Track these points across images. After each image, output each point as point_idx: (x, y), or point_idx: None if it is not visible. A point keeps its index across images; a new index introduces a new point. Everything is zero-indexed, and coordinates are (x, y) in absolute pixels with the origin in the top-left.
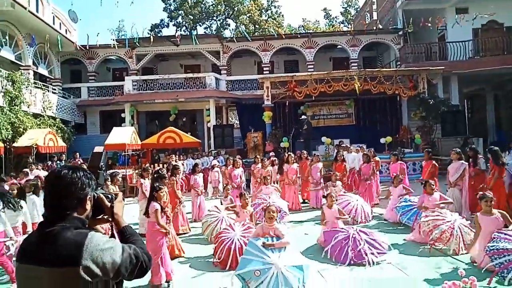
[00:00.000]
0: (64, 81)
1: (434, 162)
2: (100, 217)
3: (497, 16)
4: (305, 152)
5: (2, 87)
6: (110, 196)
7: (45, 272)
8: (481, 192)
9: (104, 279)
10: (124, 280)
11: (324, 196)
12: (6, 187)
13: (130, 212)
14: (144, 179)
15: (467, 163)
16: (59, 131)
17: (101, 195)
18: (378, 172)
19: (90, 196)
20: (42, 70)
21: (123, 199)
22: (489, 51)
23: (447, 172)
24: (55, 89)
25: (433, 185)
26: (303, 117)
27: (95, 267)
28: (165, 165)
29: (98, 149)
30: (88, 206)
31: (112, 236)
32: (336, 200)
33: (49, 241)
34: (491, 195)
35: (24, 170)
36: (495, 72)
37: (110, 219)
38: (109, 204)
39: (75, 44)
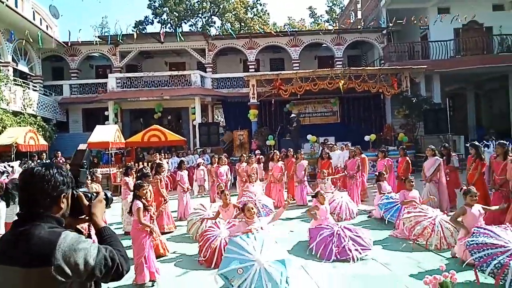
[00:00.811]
0: (45, 78)
1: (407, 158)
2: (82, 217)
3: (477, 16)
4: (291, 150)
5: None
6: (90, 195)
7: (19, 272)
8: (465, 187)
9: (78, 280)
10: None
11: (313, 196)
12: None
13: (112, 211)
14: (128, 177)
15: (441, 159)
16: (40, 129)
17: (81, 194)
18: (366, 169)
19: (65, 194)
20: (22, 67)
21: (110, 198)
22: (470, 51)
23: (422, 168)
24: (36, 87)
25: (412, 181)
26: (292, 115)
27: (67, 267)
28: (149, 164)
29: (81, 146)
30: (64, 204)
31: (90, 236)
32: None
33: (22, 240)
34: (475, 190)
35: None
36: (475, 71)
37: (88, 218)
38: (87, 203)
39: (55, 40)
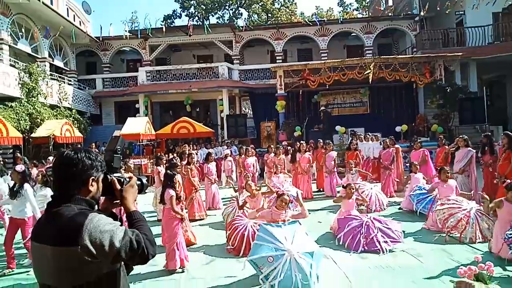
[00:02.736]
0: (79, 72)
1: (447, 147)
2: (116, 201)
3: None
4: (321, 140)
5: (20, 79)
6: (123, 179)
7: (50, 250)
8: (508, 180)
9: (106, 261)
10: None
11: (343, 186)
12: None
13: (145, 200)
14: (160, 167)
15: (474, 150)
16: (76, 121)
17: (114, 178)
18: (400, 159)
19: (94, 177)
20: (58, 62)
21: (145, 184)
22: (510, 36)
23: (448, 159)
24: (70, 81)
25: (448, 172)
26: (322, 108)
27: (92, 248)
28: (178, 154)
29: (116, 133)
30: (93, 187)
31: (121, 220)
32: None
33: (53, 220)
34: None
35: (49, 158)
36: None
37: (120, 202)
38: (119, 187)
39: (88, 35)
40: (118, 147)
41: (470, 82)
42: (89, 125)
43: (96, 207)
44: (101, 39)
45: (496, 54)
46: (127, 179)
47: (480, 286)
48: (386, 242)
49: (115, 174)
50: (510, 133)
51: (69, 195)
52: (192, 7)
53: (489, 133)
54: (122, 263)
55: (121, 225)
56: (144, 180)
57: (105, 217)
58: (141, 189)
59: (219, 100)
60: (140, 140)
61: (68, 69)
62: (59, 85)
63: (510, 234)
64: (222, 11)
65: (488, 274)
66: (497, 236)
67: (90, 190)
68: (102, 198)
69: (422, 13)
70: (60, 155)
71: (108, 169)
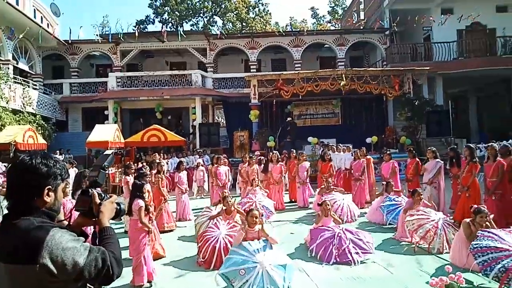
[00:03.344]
0: (45, 76)
1: (418, 160)
2: (94, 219)
3: (480, 18)
4: (294, 151)
5: None
6: (103, 195)
7: (3, 267)
8: (475, 206)
9: (66, 280)
10: None
11: (319, 204)
12: None
13: None
14: (129, 176)
15: (442, 162)
16: (40, 128)
17: (95, 192)
18: (372, 170)
19: (50, 187)
20: (23, 65)
21: (123, 210)
22: (473, 53)
23: (419, 171)
24: (36, 85)
25: (421, 194)
26: (288, 118)
27: (53, 267)
28: (147, 164)
29: (108, 152)
30: (50, 198)
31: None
32: (331, 206)
33: (8, 234)
34: (486, 210)
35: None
36: (478, 73)
37: (96, 216)
38: (98, 201)
39: (56, 38)
40: (106, 164)
41: (436, 95)
42: (54, 132)
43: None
44: (69, 43)
45: (460, 69)
46: (108, 196)
47: None
48: (357, 253)
49: (96, 189)
50: (471, 145)
51: (26, 205)
52: (166, 13)
53: (455, 146)
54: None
55: (85, 241)
56: (123, 206)
57: (68, 233)
58: (118, 214)
59: (192, 108)
60: (108, 148)
61: (34, 73)
62: (23, 89)
63: (476, 244)
64: (197, 18)
65: (458, 284)
66: (461, 250)
67: (46, 201)
68: (76, 214)
69: (393, 28)
70: (14, 162)
71: (92, 184)
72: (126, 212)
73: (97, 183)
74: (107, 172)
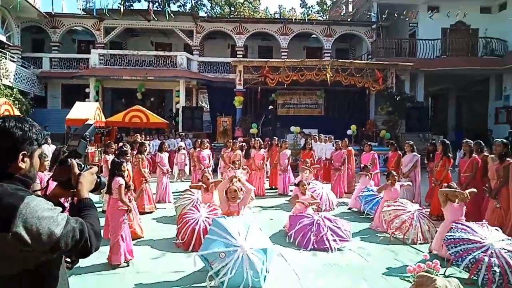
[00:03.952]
0: (24, 49)
1: (399, 153)
2: (72, 190)
3: (465, 17)
4: (276, 138)
5: None
6: (83, 165)
7: None
8: (445, 184)
9: (41, 251)
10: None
11: (296, 184)
12: None
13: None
14: (108, 155)
15: (419, 155)
16: (17, 102)
17: (74, 162)
18: (352, 161)
19: (26, 152)
20: (0, 36)
21: (103, 182)
22: (455, 51)
23: (400, 164)
24: (13, 57)
25: (396, 176)
26: (270, 107)
27: (27, 236)
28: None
29: (89, 121)
30: (24, 164)
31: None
32: (307, 186)
33: None
34: (455, 185)
35: None
36: (459, 72)
37: (74, 187)
38: (78, 172)
39: (36, 9)
40: (88, 134)
41: (417, 92)
42: (32, 107)
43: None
44: (51, 15)
45: (442, 67)
46: (88, 167)
47: (441, 279)
48: (335, 240)
49: (76, 160)
50: (446, 140)
51: (0, 171)
52: None
53: (434, 141)
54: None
55: (63, 211)
56: (103, 179)
57: (44, 201)
58: (98, 187)
59: (176, 91)
60: (89, 120)
61: (11, 44)
62: (0, 60)
63: (449, 236)
64: (184, 0)
65: (435, 271)
66: (440, 235)
67: (21, 167)
68: (54, 184)
69: (379, 22)
70: None
71: (71, 154)
72: (106, 188)
73: (77, 153)
74: (87, 142)
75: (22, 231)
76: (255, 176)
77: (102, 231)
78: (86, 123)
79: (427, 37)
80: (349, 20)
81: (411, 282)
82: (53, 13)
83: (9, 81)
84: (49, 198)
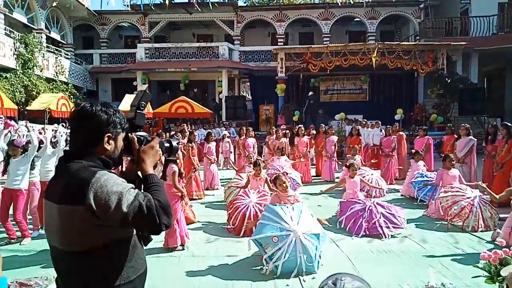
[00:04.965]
0: (76, 47)
1: (456, 136)
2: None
3: None
4: (322, 125)
5: (15, 50)
6: (143, 138)
7: (56, 208)
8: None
9: (112, 225)
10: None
11: (346, 166)
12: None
13: None
14: None
15: (475, 139)
16: (72, 96)
17: (134, 136)
18: (404, 146)
19: (110, 135)
20: (55, 35)
21: (175, 147)
22: None
23: (455, 148)
24: (67, 55)
25: (453, 160)
26: (310, 93)
27: (97, 209)
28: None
29: (141, 87)
30: (110, 146)
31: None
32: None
33: (61, 176)
34: None
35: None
36: None
37: (136, 164)
38: (138, 146)
39: (86, 8)
40: (143, 102)
41: (471, 73)
42: (86, 101)
43: (115, 167)
44: (99, 13)
45: (499, 45)
46: (149, 139)
47: None
48: (388, 227)
49: (138, 133)
50: (508, 124)
51: (82, 150)
52: None
53: (495, 123)
54: (134, 233)
55: (135, 188)
56: (175, 143)
57: (115, 177)
58: (170, 152)
59: (218, 81)
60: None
61: (65, 43)
62: (56, 58)
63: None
64: None
65: None
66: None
67: (106, 148)
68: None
69: (428, 1)
70: (76, 109)
71: (130, 127)
72: (160, 176)
73: (136, 126)
74: (144, 111)
75: (93, 203)
76: (301, 163)
77: None
78: (138, 90)
79: (481, 14)
80: (394, 1)
81: (486, 270)
82: (100, 11)
83: (65, 77)
84: (125, 175)
